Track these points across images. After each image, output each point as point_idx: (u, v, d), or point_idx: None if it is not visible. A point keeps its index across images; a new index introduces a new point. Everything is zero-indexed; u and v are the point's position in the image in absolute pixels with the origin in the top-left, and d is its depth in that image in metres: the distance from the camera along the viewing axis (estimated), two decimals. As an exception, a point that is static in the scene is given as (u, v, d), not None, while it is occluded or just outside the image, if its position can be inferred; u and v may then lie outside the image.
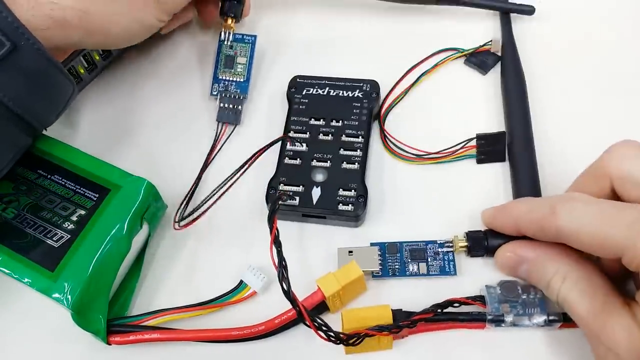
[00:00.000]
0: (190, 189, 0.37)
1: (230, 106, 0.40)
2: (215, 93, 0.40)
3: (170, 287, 0.35)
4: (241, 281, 0.33)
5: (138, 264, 0.35)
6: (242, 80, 0.41)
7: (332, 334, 0.29)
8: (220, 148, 0.39)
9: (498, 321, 0.30)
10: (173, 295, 0.35)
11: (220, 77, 0.41)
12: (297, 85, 0.40)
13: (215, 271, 0.35)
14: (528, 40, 0.42)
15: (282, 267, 0.29)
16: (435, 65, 0.42)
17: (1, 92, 0.29)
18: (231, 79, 0.41)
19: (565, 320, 0.30)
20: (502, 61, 0.41)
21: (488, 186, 0.37)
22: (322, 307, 0.32)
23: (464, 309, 0.31)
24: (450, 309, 0.31)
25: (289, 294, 0.29)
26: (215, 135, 0.39)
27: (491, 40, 0.42)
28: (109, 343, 0.32)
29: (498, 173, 0.37)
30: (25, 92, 0.30)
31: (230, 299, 0.33)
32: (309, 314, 0.28)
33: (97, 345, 0.32)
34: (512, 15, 0.43)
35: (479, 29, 0.44)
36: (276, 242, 0.30)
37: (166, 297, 0.34)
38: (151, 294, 0.35)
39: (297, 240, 0.36)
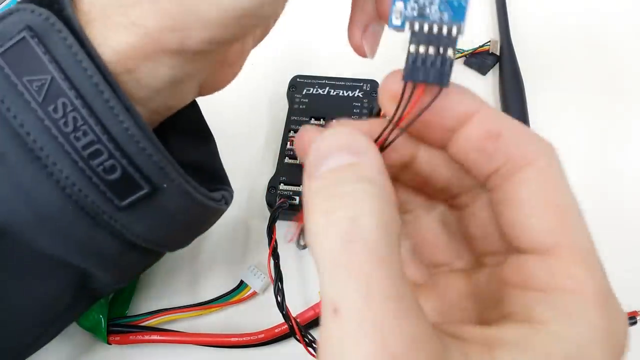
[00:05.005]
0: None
1: (430, 52, 0.18)
2: (397, 22, 0.19)
3: (170, 287, 0.35)
4: (241, 281, 0.33)
5: (138, 263, 0.35)
6: None
7: None
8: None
9: None
10: (173, 295, 0.34)
11: None
12: (297, 85, 0.40)
13: (215, 271, 0.35)
14: (526, 38, 0.42)
15: (278, 279, 0.29)
16: (435, 66, 0.42)
17: (130, 232, 0.22)
18: None
19: None
20: (499, 62, 0.41)
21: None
22: None
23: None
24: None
25: (282, 308, 0.28)
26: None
27: (489, 41, 0.42)
28: (109, 343, 0.32)
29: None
30: (158, 231, 0.23)
31: (230, 299, 0.33)
32: (301, 329, 0.28)
33: (97, 345, 0.32)
34: (509, 14, 0.43)
35: (478, 29, 0.44)
36: (274, 253, 0.29)
37: (166, 297, 0.34)
38: (151, 294, 0.35)
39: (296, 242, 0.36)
